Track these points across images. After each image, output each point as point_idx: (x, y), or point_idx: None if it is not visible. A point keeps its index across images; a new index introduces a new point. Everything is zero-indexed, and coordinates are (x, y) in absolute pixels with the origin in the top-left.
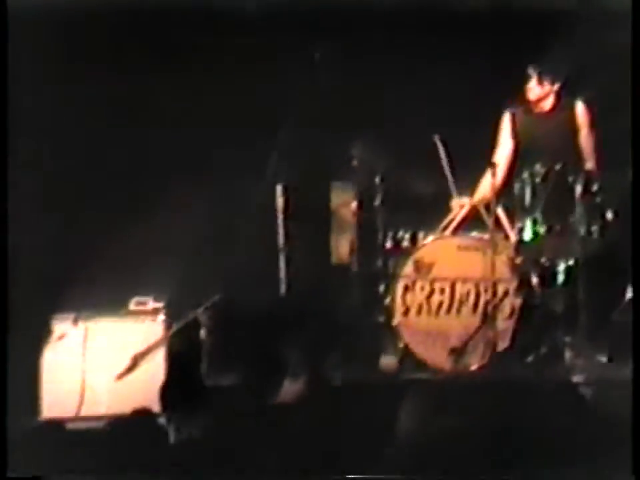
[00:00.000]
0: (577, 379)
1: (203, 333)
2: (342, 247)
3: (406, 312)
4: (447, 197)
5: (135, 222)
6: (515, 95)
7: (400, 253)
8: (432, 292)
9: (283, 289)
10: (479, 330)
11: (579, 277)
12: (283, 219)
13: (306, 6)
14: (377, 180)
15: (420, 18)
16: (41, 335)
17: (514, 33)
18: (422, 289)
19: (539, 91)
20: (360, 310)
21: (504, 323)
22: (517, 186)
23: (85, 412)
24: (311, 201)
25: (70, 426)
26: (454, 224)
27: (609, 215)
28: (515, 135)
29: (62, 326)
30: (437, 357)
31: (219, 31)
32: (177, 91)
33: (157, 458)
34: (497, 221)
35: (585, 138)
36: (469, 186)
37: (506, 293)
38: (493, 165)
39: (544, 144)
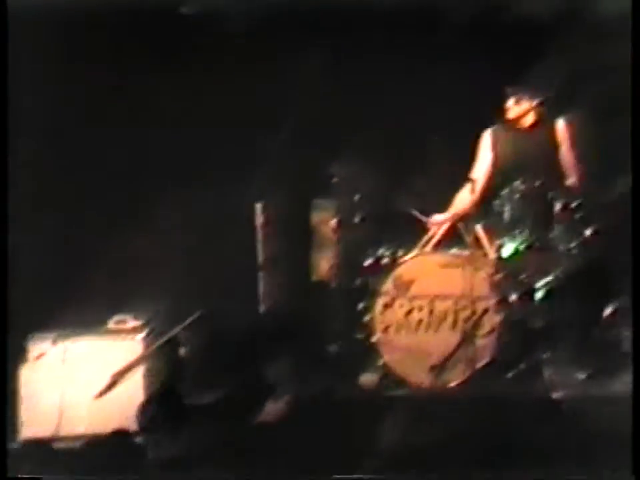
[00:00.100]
0: (556, 395)
1: (182, 351)
2: (322, 264)
3: (386, 329)
4: (427, 215)
5: (114, 240)
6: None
7: (380, 270)
8: (411, 309)
9: (263, 306)
10: (458, 347)
11: (559, 294)
12: (263, 235)
13: (306, 6)
14: (357, 197)
15: (420, 18)
16: (19, 355)
17: (495, 46)
18: (401, 306)
19: (518, 110)
20: (340, 327)
21: (483, 340)
22: (496, 202)
23: (63, 431)
24: (291, 218)
25: (48, 445)
26: (433, 241)
27: (589, 232)
28: (495, 151)
29: (41, 345)
30: (417, 373)
31: (219, 31)
32: (177, 90)
33: (136, 477)
34: (477, 238)
35: (565, 154)
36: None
37: (486, 310)
38: (471, 181)
39: (524, 160)
